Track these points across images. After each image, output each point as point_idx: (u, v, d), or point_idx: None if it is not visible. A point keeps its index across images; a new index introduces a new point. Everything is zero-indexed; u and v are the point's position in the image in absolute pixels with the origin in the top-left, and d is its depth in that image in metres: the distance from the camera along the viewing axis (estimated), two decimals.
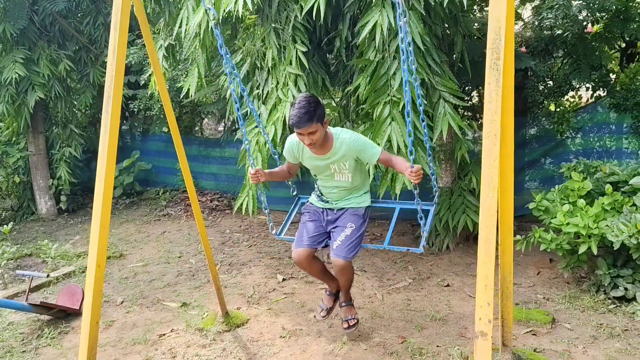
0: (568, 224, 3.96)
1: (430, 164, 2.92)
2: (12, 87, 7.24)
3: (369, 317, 4.04)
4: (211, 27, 4.51)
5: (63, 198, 8.31)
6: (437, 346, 3.54)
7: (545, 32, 6.08)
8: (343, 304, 3.43)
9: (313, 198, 3.38)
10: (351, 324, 3.38)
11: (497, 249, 5.45)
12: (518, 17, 6.68)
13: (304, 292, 4.64)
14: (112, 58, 2.75)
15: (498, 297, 3.06)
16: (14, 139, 8.17)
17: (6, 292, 4.84)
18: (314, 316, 4.08)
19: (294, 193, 3.61)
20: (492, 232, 2.02)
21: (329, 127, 3.04)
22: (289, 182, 3.54)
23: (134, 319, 4.28)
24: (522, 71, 5.98)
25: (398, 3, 2.37)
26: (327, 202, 3.26)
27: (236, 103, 3.14)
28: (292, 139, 3.15)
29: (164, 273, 5.36)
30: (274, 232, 3.43)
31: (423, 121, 2.69)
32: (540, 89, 6.30)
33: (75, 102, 8.38)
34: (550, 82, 6.34)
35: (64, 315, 4.31)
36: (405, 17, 2.39)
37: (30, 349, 3.82)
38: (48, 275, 4.67)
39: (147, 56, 7.56)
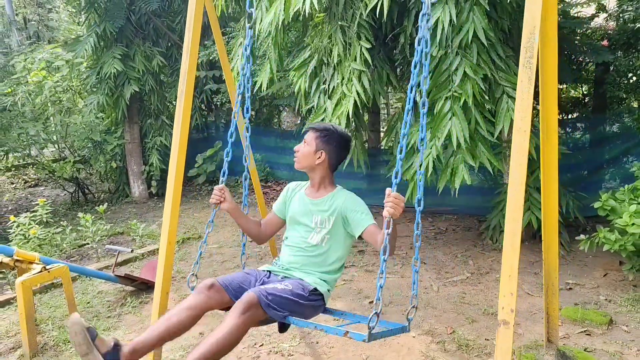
0: (633, 224, 3.83)
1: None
2: (111, 81, 7.98)
3: (422, 306, 4.15)
4: (282, 26, 4.80)
5: (154, 183, 9.05)
6: (486, 339, 3.59)
7: (628, 24, 5.79)
8: None
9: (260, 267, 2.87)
10: None
11: (562, 247, 5.28)
12: (602, 8, 6.39)
13: (363, 279, 4.82)
14: (186, 57, 3.01)
15: (543, 293, 3.09)
16: (112, 128, 9.02)
17: (98, 265, 5.44)
18: (369, 302, 4.25)
19: (244, 262, 3.22)
20: (517, 226, 2.10)
21: (338, 185, 2.79)
22: (244, 248, 3.20)
23: None
24: (602, 65, 5.74)
25: (424, 2, 2.25)
26: (276, 264, 2.81)
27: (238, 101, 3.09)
28: (293, 183, 2.99)
29: (235, 255, 5.76)
30: (190, 286, 2.71)
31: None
32: (622, 84, 6.01)
33: (167, 95, 9.07)
34: (633, 78, 6.02)
35: (145, 288, 4.79)
36: (427, 22, 2.26)
37: (114, 315, 4.32)
38: (132, 251, 5.19)
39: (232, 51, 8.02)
